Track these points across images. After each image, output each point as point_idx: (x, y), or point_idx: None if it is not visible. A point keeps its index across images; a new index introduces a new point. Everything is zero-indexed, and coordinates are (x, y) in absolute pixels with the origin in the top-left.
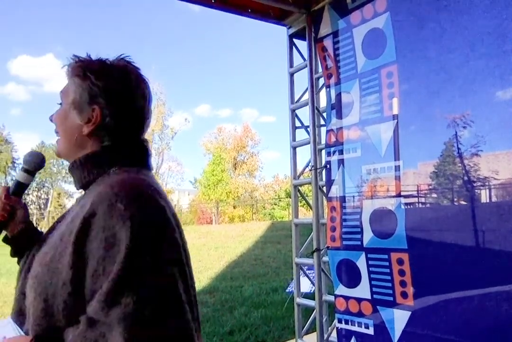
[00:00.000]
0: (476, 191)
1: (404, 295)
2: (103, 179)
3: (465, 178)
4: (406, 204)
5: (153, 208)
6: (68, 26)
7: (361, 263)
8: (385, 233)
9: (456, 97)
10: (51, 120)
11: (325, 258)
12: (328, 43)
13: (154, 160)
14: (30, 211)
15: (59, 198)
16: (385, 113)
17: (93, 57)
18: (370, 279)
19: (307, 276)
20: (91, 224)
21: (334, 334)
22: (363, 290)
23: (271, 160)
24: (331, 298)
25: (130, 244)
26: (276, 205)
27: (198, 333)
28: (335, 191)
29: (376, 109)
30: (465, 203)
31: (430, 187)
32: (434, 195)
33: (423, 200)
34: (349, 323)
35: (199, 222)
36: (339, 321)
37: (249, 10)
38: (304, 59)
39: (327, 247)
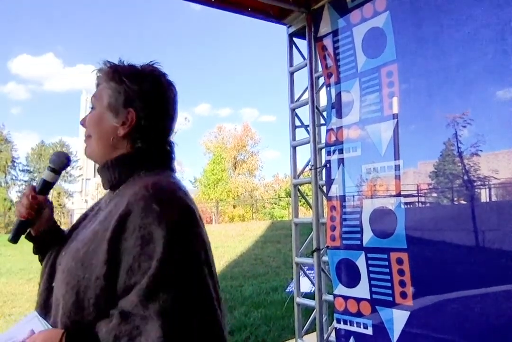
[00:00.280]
0: (476, 190)
1: (404, 295)
2: (135, 180)
3: (465, 177)
4: (406, 203)
5: (185, 210)
6: (68, 26)
7: (361, 263)
8: (385, 232)
9: (456, 96)
10: (82, 124)
11: (325, 258)
12: (328, 42)
13: None
14: None
15: (59, 197)
16: (385, 113)
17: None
18: (370, 279)
19: (307, 276)
20: (126, 223)
21: (334, 334)
22: (362, 289)
23: (271, 159)
24: (331, 297)
25: (167, 242)
26: (276, 204)
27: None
28: (335, 190)
29: (376, 109)
30: (465, 203)
31: (430, 186)
32: (434, 194)
33: (423, 199)
34: (348, 323)
35: None
36: (338, 321)
37: (249, 9)
38: (304, 58)
39: (327, 247)
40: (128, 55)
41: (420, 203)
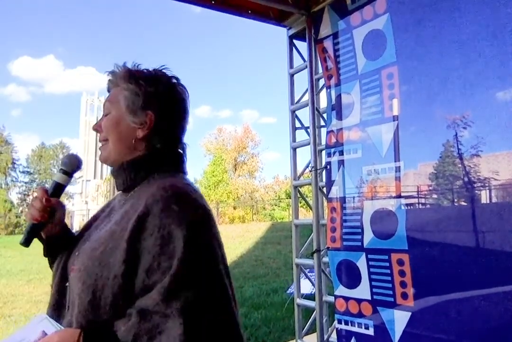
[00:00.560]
0: (476, 191)
1: (405, 295)
2: (150, 182)
3: (465, 179)
4: (406, 204)
5: (203, 211)
6: (69, 28)
7: (361, 264)
8: (385, 233)
9: (456, 98)
10: (96, 129)
11: (325, 259)
12: (328, 44)
13: None
14: None
15: None
16: (386, 114)
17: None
18: (370, 280)
19: (308, 278)
20: (145, 223)
21: (334, 334)
22: (363, 290)
23: (271, 161)
24: (331, 298)
25: (187, 242)
26: (276, 205)
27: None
28: (335, 191)
29: (377, 110)
30: (465, 204)
31: (431, 188)
32: (435, 196)
33: (423, 200)
34: (349, 323)
35: None
36: (339, 322)
37: (249, 11)
38: (304, 60)
39: (327, 248)
40: (128, 57)
41: (420, 204)
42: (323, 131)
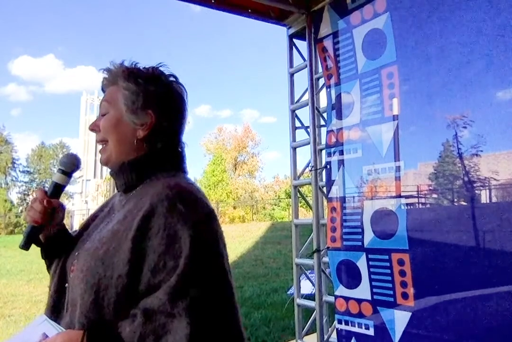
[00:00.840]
0: (476, 191)
1: (405, 295)
2: (152, 182)
3: (465, 178)
4: (407, 204)
5: (208, 210)
6: (69, 27)
7: (362, 264)
8: (386, 233)
9: (456, 97)
10: (93, 129)
11: (325, 259)
12: (328, 43)
13: None
14: None
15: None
16: (386, 114)
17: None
18: (371, 280)
19: (308, 278)
20: (150, 222)
21: (334, 335)
22: (363, 290)
23: (271, 160)
24: (332, 298)
25: (193, 242)
26: (276, 205)
27: None
28: (335, 191)
29: (377, 110)
30: (465, 204)
31: (431, 188)
32: (435, 196)
33: (423, 200)
34: (349, 324)
35: None
36: (339, 322)
37: (249, 11)
38: (304, 60)
39: (327, 248)
40: (128, 57)
41: (420, 204)
42: (323, 130)
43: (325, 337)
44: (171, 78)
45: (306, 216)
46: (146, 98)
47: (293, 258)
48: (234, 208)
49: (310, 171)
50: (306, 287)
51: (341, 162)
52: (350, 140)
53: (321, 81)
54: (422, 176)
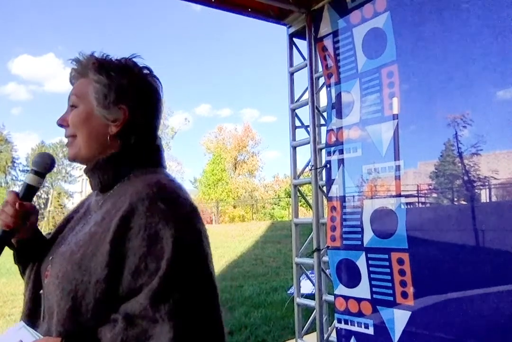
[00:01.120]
0: (476, 190)
1: (404, 295)
2: (131, 180)
3: (465, 178)
4: (406, 203)
5: (191, 208)
6: (68, 26)
7: (361, 263)
8: (385, 232)
9: (457, 96)
10: (61, 124)
11: (325, 258)
12: (328, 42)
13: None
14: None
15: (59, 197)
16: (386, 113)
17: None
18: (370, 279)
19: (309, 278)
20: (130, 222)
21: (334, 334)
22: (363, 290)
23: (271, 160)
24: (331, 298)
25: (176, 241)
26: (276, 204)
27: None
28: (335, 190)
29: (377, 109)
30: (465, 203)
31: (431, 187)
32: (435, 195)
33: (423, 199)
34: (349, 323)
35: None
36: (339, 321)
37: (249, 10)
38: (304, 59)
39: (327, 247)
40: (127, 55)
41: (420, 203)
42: (323, 130)
43: (325, 336)
44: (145, 71)
45: (306, 215)
46: (119, 92)
47: (293, 257)
48: (234, 207)
49: (310, 170)
50: (306, 287)
51: (341, 162)
52: (350, 139)
53: (321, 81)
54: (422, 175)
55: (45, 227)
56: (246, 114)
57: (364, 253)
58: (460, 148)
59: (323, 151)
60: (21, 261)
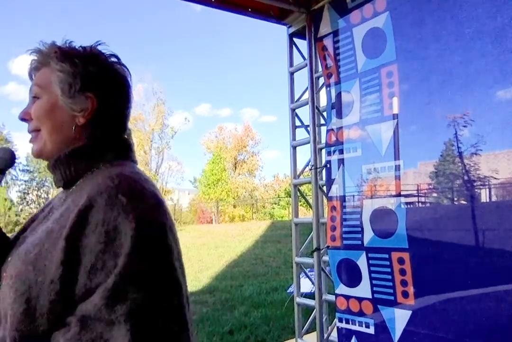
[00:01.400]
0: (476, 190)
1: (405, 294)
2: (93, 174)
3: (465, 178)
4: (406, 203)
5: (155, 201)
6: (68, 26)
7: (362, 263)
8: (385, 232)
9: (456, 96)
10: (23, 119)
11: (325, 258)
12: (328, 42)
13: (154, 160)
14: (30, 210)
15: None
16: (386, 113)
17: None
18: (371, 279)
19: (308, 277)
20: (88, 217)
21: (334, 333)
22: (363, 289)
23: (271, 159)
24: (331, 297)
25: (136, 236)
26: (276, 204)
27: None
28: (335, 190)
29: (377, 109)
30: (465, 203)
31: (430, 186)
32: (435, 194)
33: (423, 199)
34: (350, 322)
35: (199, 221)
36: (340, 320)
37: (249, 9)
38: (304, 58)
39: (327, 247)
40: (128, 55)
41: (420, 203)
42: (323, 129)
43: (325, 335)
44: (113, 59)
45: (306, 214)
46: (85, 80)
47: (293, 257)
48: (234, 206)
49: (310, 169)
50: (306, 285)
51: (341, 161)
52: (350, 139)
53: (321, 80)
54: (422, 175)
55: None
56: (246, 114)
57: (364, 253)
58: (460, 148)
59: (323, 151)
60: None
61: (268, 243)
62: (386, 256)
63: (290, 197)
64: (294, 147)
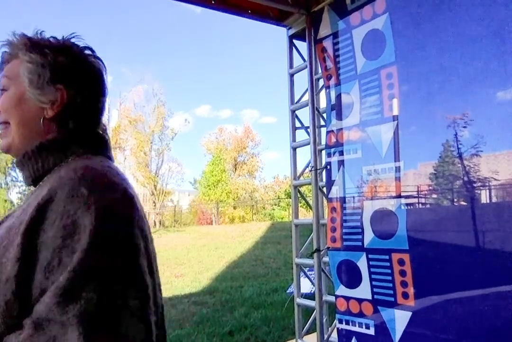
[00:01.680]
0: (476, 191)
1: (405, 295)
2: (60, 167)
3: (465, 179)
4: (406, 204)
5: (121, 194)
6: (68, 26)
7: (362, 264)
8: (386, 233)
9: (456, 97)
10: None
11: (325, 259)
12: (327, 44)
13: (154, 161)
14: None
15: None
16: (385, 114)
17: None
18: (371, 280)
19: (308, 277)
20: (46, 211)
21: (334, 334)
22: (364, 290)
23: (271, 161)
24: (331, 298)
25: (94, 230)
26: (276, 205)
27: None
28: (335, 191)
29: (376, 110)
30: (465, 204)
31: (431, 188)
32: (435, 196)
33: (423, 200)
34: (350, 323)
35: (199, 223)
36: (340, 322)
37: (249, 11)
38: (304, 60)
39: (327, 248)
40: (128, 55)
41: (420, 204)
42: (323, 131)
43: (325, 336)
44: (87, 51)
45: (306, 216)
46: (55, 70)
47: (293, 258)
48: (234, 208)
49: (310, 171)
50: (305, 286)
51: (341, 163)
52: (350, 140)
53: (321, 82)
54: (422, 176)
55: None
56: (246, 115)
57: (364, 254)
58: (460, 149)
59: (323, 152)
60: None
61: (268, 244)
62: (387, 257)
63: (290, 198)
64: (294, 149)
